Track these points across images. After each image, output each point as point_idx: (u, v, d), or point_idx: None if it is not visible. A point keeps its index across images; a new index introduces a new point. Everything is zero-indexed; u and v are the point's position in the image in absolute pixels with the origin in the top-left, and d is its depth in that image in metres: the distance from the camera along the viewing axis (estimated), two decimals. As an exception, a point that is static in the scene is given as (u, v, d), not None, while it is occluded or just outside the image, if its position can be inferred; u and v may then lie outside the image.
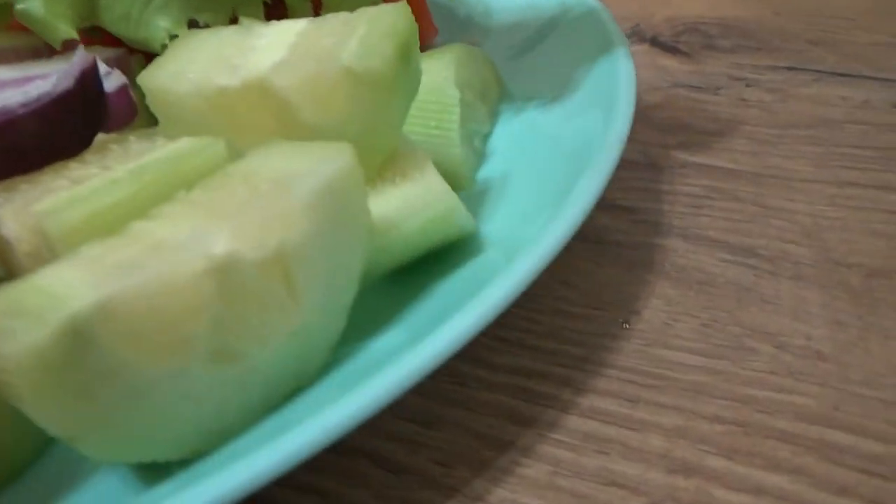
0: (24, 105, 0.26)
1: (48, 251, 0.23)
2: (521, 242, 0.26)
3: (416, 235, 0.26)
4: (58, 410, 0.18)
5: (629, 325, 0.29)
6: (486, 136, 0.38)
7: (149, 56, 0.35)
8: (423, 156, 0.28)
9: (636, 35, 0.52)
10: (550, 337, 0.29)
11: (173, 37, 0.34)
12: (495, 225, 0.30)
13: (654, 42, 0.51)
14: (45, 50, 0.37)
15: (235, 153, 0.26)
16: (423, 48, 0.45)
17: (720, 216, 0.34)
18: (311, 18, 0.30)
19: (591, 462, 0.24)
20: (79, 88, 0.28)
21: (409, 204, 0.26)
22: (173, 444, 0.20)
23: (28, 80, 0.32)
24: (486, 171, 0.36)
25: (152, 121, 0.30)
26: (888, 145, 0.38)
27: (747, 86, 0.44)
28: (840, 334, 0.28)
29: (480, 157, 0.37)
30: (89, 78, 0.28)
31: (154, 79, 0.29)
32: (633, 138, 0.40)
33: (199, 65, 0.29)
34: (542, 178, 0.32)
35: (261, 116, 0.28)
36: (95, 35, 0.36)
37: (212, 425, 0.21)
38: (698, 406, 0.26)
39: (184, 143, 0.26)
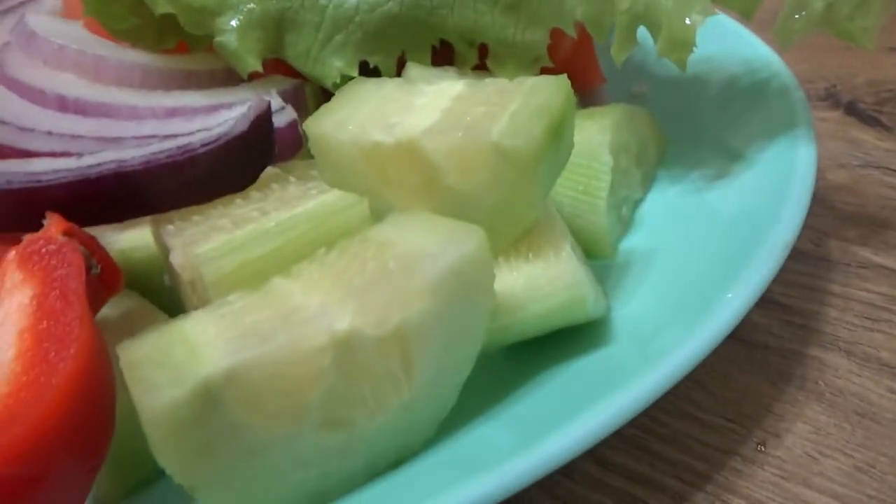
0: (204, 144, 0.29)
1: (202, 290, 0.25)
2: (661, 340, 0.24)
3: (540, 319, 0.26)
4: (182, 461, 0.20)
5: (766, 448, 0.26)
6: (638, 202, 0.37)
7: (323, 89, 0.38)
8: (562, 233, 0.28)
9: (831, 98, 0.47)
10: (674, 443, 0.27)
11: (345, 77, 0.36)
12: (632, 306, 0.29)
13: (851, 109, 0.45)
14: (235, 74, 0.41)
15: (378, 212, 0.27)
16: (588, 95, 0.44)
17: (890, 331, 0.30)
18: (471, 81, 0.30)
19: None
20: (252, 131, 0.30)
21: (539, 286, 0.26)
22: (280, 502, 0.21)
23: (216, 108, 0.35)
24: (632, 241, 0.34)
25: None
26: None
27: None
28: None
29: (627, 224, 0.35)
30: (263, 122, 0.30)
31: (319, 125, 0.31)
32: (806, 223, 0.36)
33: (360, 117, 0.30)
34: (692, 261, 0.30)
35: (409, 174, 0.29)
36: (279, 65, 0.39)
37: (317, 487, 0.22)
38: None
39: (332, 198, 0.27)
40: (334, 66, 0.37)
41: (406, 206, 0.29)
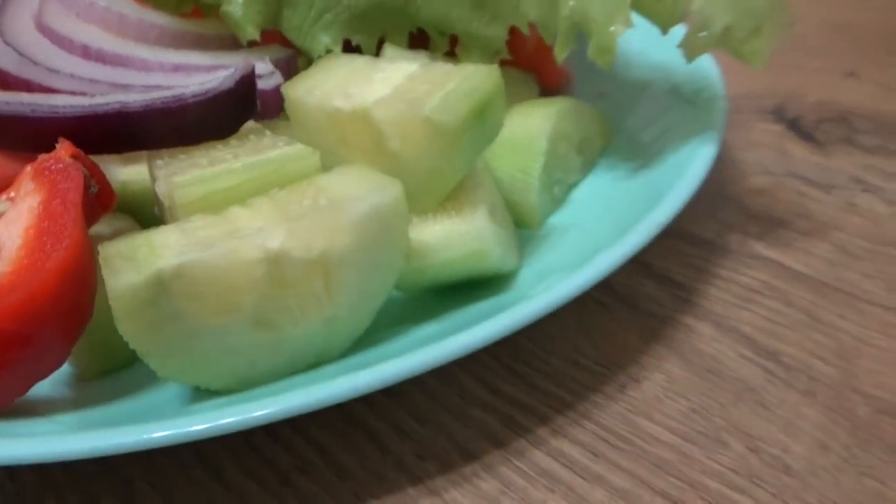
0: (195, 95, 0.35)
1: (174, 212, 0.31)
2: (542, 285, 0.30)
3: (449, 265, 0.31)
4: (136, 332, 0.26)
5: (625, 389, 0.32)
6: (573, 185, 0.42)
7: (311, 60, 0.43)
8: (485, 198, 0.33)
9: (776, 114, 0.51)
10: (553, 380, 0.33)
11: (329, 51, 0.42)
12: (538, 266, 0.34)
13: (793, 125, 0.50)
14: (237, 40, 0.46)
15: (327, 165, 0.33)
16: (559, 91, 0.49)
17: (763, 315, 0.35)
18: (425, 63, 0.35)
19: (537, 494, 0.28)
20: (237, 89, 0.36)
21: (451, 237, 0.31)
22: (213, 378, 0.27)
23: (215, 67, 0.41)
24: (559, 217, 0.40)
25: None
26: None
27: (864, 191, 0.43)
28: (819, 457, 0.29)
29: (559, 203, 0.41)
30: (246, 81, 0.36)
31: (293, 89, 0.36)
32: (717, 218, 0.42)
33: (328, 86, 0.36)
34: (592, 233, 0.35)
35: (362, 138, 0.34)
36: (277, 36, 0.44)
37: (244, 373, 0.28)
38: (651, 478, 0.28)
39: (291, 150, 0.33)
40: (322, 40, 0.42)
41: (361, 162, 0.35)
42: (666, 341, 0.34)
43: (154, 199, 0.35)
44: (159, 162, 0.34)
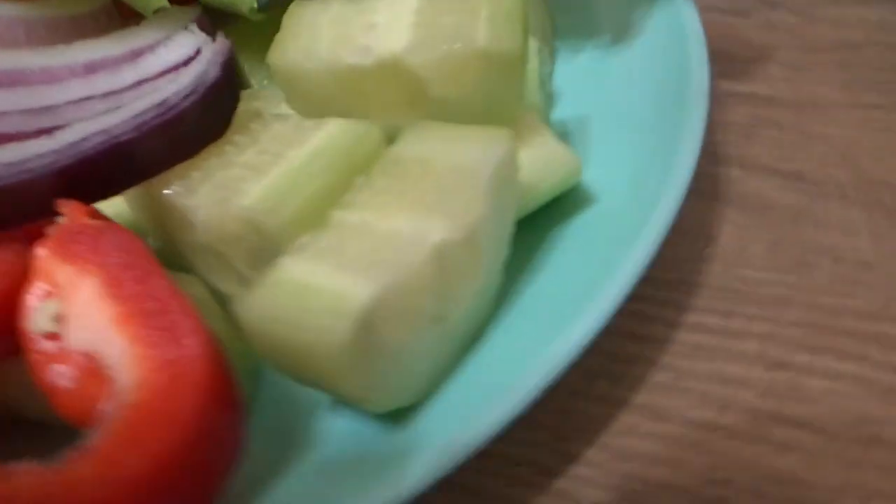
0: (186, 96, 0.29)
1: (259, 239, 0.26)
2: (640, 201, 0.30)
3: (545, 196, 0.30)
4: (354, 383, 0.22)
5: (711, 247, 0.34)
6: (550, 76, 0.42)
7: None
8: (538, 119, 0.32)
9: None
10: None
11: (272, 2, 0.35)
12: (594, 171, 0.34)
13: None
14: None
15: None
16: None
17: (768, 144, 0.39)
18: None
19: (704, 366, 0.31)
20: (224, 75, 0.30)
21: (538, 169, 0.30)
22: (412, 391, 0.25)
23: (137, 54, 0.33)
24: (559, 113, 0.39)
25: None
26: (903, 65, 0.43)
27: (772, 8, 0.48)
28: (882, 245, 0.34)
29: (551, 98, 0.40)
30: (231, 63, 0.30)
31: (284, 57, 0.31)
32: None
33: (326, 43, 0.31)
34: (626, 121, 0.35)
35: (390, 92, 0.31)
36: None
37: (430, 374, 0.26)
38: (780, 314, 0.32)
39: (338, 129, 0.29)
40: (248, -12, 0.36)
41: (387, 122, 0.31)
42: (713, 195, 0.37)
43: (144, 230, 0.29)
44: (174, 189, 0.28)
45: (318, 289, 0.23)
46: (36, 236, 0.26)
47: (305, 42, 0.31)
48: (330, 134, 0.28)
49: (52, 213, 0.26)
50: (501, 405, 0.24)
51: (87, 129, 0.27)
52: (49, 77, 0.32)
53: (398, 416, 0.25)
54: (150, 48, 0.33)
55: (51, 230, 0.25)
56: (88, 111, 0.30)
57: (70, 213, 0.25)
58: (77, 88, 0.31)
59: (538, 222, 0.32)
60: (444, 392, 0.26)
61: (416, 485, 0.22)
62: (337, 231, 0.25)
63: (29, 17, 0.34)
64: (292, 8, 0.33)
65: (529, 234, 0.31)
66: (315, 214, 0.26)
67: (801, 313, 0.32)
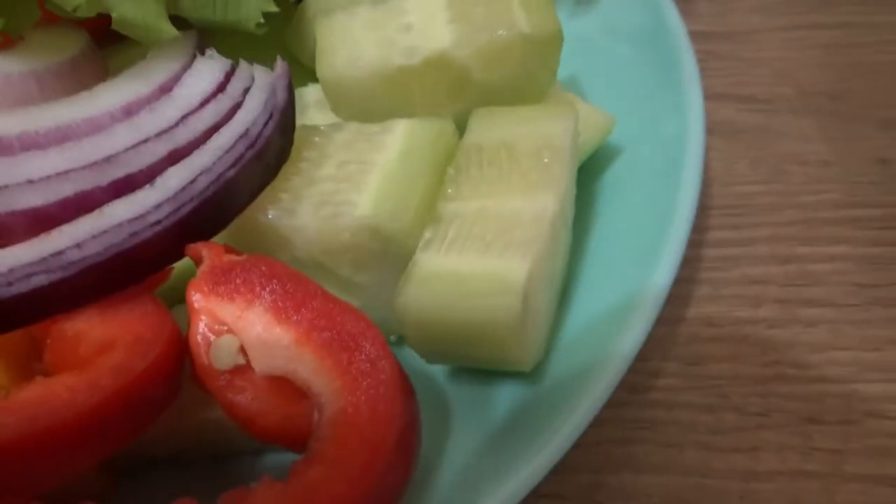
0: (265, 124, 0.30)
1: (382, 244, 0.29)
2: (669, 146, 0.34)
3: (588, 153, 0.35)
4: (518, 346, 0.26)
5: (706, 173, 0.40)
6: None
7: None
8: (564, 93, 0.36)
9: None
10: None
11: (267, 14, 0.36)
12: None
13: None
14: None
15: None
16: None
17: (719, 75, 0.46)
18: (441, -12, 0.34)
19: (732, 274, 0.37)
20: (290, 97, 0.31)
21: (581, 132, 0.34)
22: (543, 345, 0.29)
23: (167, 87, 0.33)
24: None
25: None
26: (807, -11, 0.50)
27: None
28: (834, 145, 0.41)
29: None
30: (291, 85, 0.31)
31: (331, 69, 0.33)
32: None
33: (368, 50, 0.33)
34: (624, 73, 0.39)
35: (431, 86, 0.33)
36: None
37: (548, 326, 0.30)
38: (775, 217, 0.39)
39: (416, 127, 0.31)
40: (252, 7, 0.36)
41: (430, 110, 0.34)
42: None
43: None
44: (271, 213, 0.30)
45: (474, 274, 0.26)
46: (153, 285, 0.27)
47: (348, 52, 0.33)
48: (410, 133, 0.31)
49: (170, 262, 0.27)
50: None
51: (187, 173, 0.28)
52: (94, 127, 0.31)
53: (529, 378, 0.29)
54: (175, 80, 0.34)
55: (199, 273, 0.26)
56: (151, 154, 0.30)
57: (209, 254, 0.26)
58: (125, 134, 0.31)
59: (584, 176, 0.36)
60: (558, 349, 0.30)
61: (567, 440, 0.26)
62: (458, 221, 0.28)
63: (37, 69, 0.33)
64: (321, 21, 0.34)
65: (581, 188, 0.36)
66: (426, 211, 0.29)
67: (791, 213, 0.39)
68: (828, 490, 0.30)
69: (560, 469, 0.27)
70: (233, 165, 0.28)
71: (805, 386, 0.33)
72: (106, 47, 0.39)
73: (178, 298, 0.29)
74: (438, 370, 0.31)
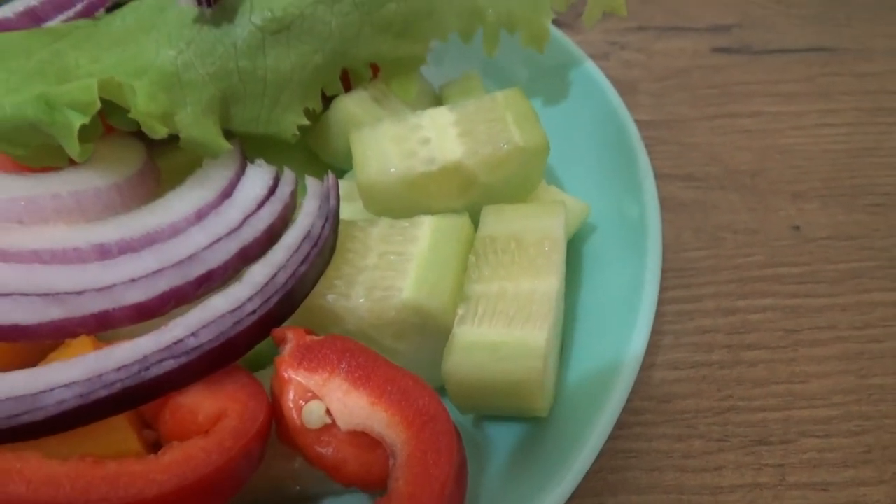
0: (322, 226, 0.37)
1: (423, 319, 0.36)
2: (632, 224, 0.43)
3: (570, 235, 0.43)
4: (541, 398, 0.33)
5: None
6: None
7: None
8: (547, 186, 0.44)
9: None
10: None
11: (301, 126, 0.44)
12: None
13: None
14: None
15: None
16: None
17: (663, 157, 0.55)
18: (449, 107, 0.42)
19: (688, 326, 0.45)
20: (338, 201, 0.38)
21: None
22: (554, 392, 0.37)
23: (225, 194, 0.40)
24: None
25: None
26: (723, 82, 0.61)
27: (622, 49, 0.65)
28: (756, 215, 0.51)
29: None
30: (338, 191, 0.39)
31: (366, 176, 0.40)
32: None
33: (394, 160, 0.40)
34: (586, 162, 0.49)
35: (448, 185, 0.41)
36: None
37: (555, 377, 0.37)
38: (716, 277, 0.48)
39: (442, 223, 0.39)
40: (289, 120, 0.43)
41: (445, 205, 0.42)
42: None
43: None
44: (329, 297, 0.37)
45: (504, 343, 0.33)
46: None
47: (378, 162, 0.40)
48: (437, 228, 0.38)
49: (258, 342, 0.34)
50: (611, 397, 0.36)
51: (269, 270, 0.34)
52: (174, 231, 0.38)
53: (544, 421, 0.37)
54: (232, 186, 0.41)
55: (286, 352, 0.33)
56: (225, 252, 0.37)
57: (293, 336, 0.33)
58: (200, 235, 0.37)
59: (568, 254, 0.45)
60: (562, 396, 0.38)
61: (576, 476, 0.33)
62: (484, 300, 0.36)
63: (118, 181, 0.39)
64: (354, 135, 0.41)
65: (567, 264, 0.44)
66: (456, 292, 0.36)
67: (728, 273, 0.48)
68: (777, 497, 0.38)
69: (570, 495, 0.34)
70: (303, 262, 0.35)
71: (752, 414, 0.42)
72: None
73: (250, 369, 0.36)
74: (468, 417, 0.38)
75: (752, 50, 0.64)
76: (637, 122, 0.57)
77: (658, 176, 0.53)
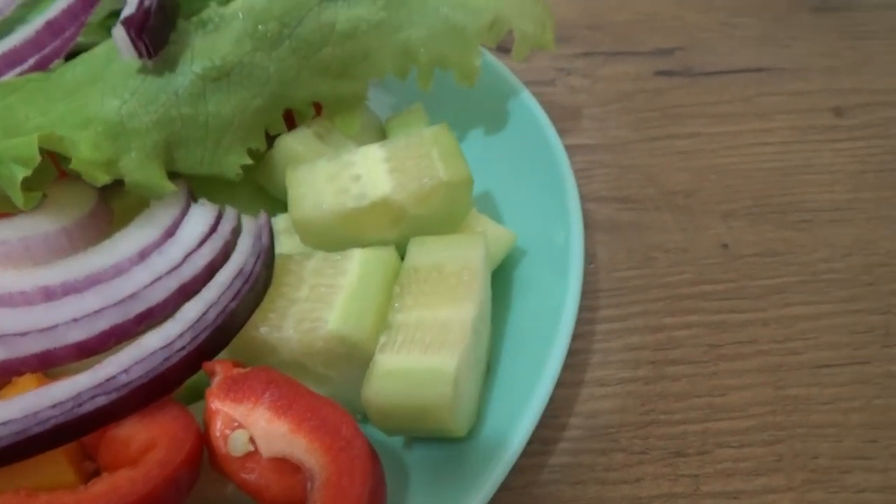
0: (255, 263, 0.39)
1: (348, 349, 0.38)
2: (557, 249, 0.46)
3: (496, 263, 0.46)
4: (454, 420, 0.36)
5: (594, 264, 0.52)
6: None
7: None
8: (478, 216, 0.47)
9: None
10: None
11: (246, 167, 0.46)
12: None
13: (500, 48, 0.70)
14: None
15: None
16: None
17: (601, 180, 0.58)
18: (381, 144, 0.45)
19: (616, 343, 0.48)
20: (271, 238, 0.41)
21: (490, 247, 0.45)
22: (473, 415, 0.39)
23: (169, 233, 0.43)
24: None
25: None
26: (663, 105, 0.64)
27: (568, 75, 0.67)
28: (687, 235, 0.54)
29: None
30: (271, 230, 0.41)
31: (301, 211, 0.43)
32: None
33: (327, 196, 0.43)
34: (515, 188, 0.51)
35: (380, 219, 0.44)
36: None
37: (476, 399, 0.40)
38: (646, 296, 0.50)
39: (369, 256, 0.41)
40: (231, 161, 0.46)
41: (377, 238, 0.44)
42: (589, 225, 0.54)
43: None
44: (263, 331, 0.39)
45: (418, 369, 0.36)
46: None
47: (312, 199, 0.43)
48: (365, 261, 0.41)
49: (190, 376, 0.36)
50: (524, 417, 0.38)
51: (200, 306, 0.37)
52: (117, 271, 0.40)
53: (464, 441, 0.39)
54: (176, 224, 0.43)
55: (215, 384, 0.35)
56: (165, 289, 0.39)
57: (221, 369, 0.36)
58: (142, 274, 0.40)
59: (497, 278, 0.47)
60: (486, 415, 0.40)
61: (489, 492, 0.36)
62: (404, 328, 0.38)
63: (66, 224, 0.42)
64: (290, 174, 0.44)
65: (495, 288, 0.46)
66: (380, 321, 0.39)
67: (658, 292, 0.51)
68: (691, 506, 0.41)
69: (495, 508, 0.37)
70: (233, 298, 0.38)
71: (673, 427, 0.44)
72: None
73: (186, 400, 0.38)
74: (396, 440, 0.40)
75: (693, 72, 0.67)
76: (579, 146, 0.60)
77: (597, 199, 0.56)
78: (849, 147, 0.59)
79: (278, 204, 0.50)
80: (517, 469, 0.39)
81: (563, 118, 0.63)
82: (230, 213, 0.43)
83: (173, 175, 0.45)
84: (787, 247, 0.53)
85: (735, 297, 0.50)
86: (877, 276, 0.51)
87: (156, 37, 0.43)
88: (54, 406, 0.32)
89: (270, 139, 0.49)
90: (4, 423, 0.31)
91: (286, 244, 0.46)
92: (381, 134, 0.55)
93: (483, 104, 0.56)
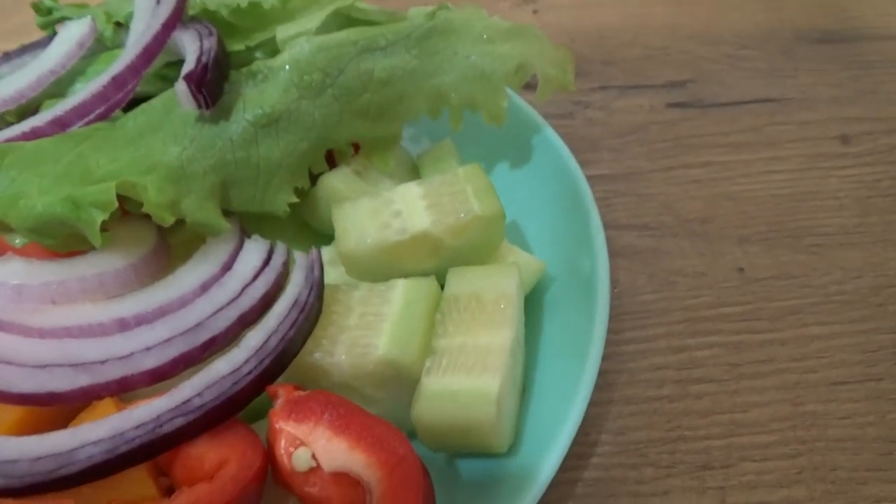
0: (308, 294, 0.43)
1: (396, 372, 0.42)
2: (585, 277, 0.49)
3: (528, 290, 0.49)
4: (497, 438, 0.39)
5: (617, 288, 0.55)
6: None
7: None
8: (509, 246, 0.50)
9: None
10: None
11: (291, 203, 0.50)
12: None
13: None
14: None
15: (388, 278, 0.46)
16: None
17: (621, 209, 0.61)
18: (418, 183, 0.49)
19: (642, 364, 0.51)
20: (322, 272, 0.45)
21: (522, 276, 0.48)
22: (513, 432, 0.42)
23: (226, 267, 0.46)
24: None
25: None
26: (676, 135, 0.67)
27: (585, 108, 0.71)
28: (705, 260, 0.57)
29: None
30: (322, 264, 0.45)
31: (346, 245, 0.46)
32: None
33: (370, 231, 0.47)
34: (544, 222, 0.55)
35: (419, 250, 0.47)
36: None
37: (516, 418, 0.43)
38: (667, 318, 0.53)
39: (412, 286, 0.45)
40: (280, 199, 0.50)
41: (416, 268, 0.48)
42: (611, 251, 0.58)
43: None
44: (317, 356, 0.43)
45: (463, 391, 0.39)
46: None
47: (357, 234, 0.47)
48: (408, 290, 0.44)
49: (254, 399, 0.40)
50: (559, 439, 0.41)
51: (262, 335, 0.40)
52: (183, 303, 0.44)
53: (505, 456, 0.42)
54: (232, 259, 0.47)
55: (278, 406, 0.38)
56: (226, 319, 0.43)
57: (284, 392, 0.39)
58: (205, 305, 0.44)
59: (530, 304, 0.50)
60: (522, 433, 0.43)
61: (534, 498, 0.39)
62: (447, 353, 0.41)
63: (134, 261, 0.45)
64: (335, 211, 0.48)
65: (528, 314, 0.50)
66: (425, 346, 0.42)
67: (678, 314, 0.54)
68: (717, 515, 0.43)
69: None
70: (291, 327, 0.41)
71: (698, 443, 0.47)
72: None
73: (247, 419, 0.42)
74: (439, 455, 0.43)
75: (704, 104, 0.70)
76: (598, 176, 0.63)
77: (617, 226, 0.59)
78: (856, 173, 0.63)
79: (321, 237, 0.54)
80: (553, 483, 0.42)
81: (583, 150, 0.66)
82: (280, 248, 0.47)
83: (226, 212, 0.49)
84: (800, 270, 0.56)
85: (752, 318, 0.53)
86: (885, 296, 0.54)
87: (213, 89, 0.47)
88: (138, 427, 0.36)
89: (313, 177, 0.53)
90: (95, 443, 0.35)
91: (331, 275, 0.49)
92: (413, 169, 0.59)
93: (509, 139, 0.60)
